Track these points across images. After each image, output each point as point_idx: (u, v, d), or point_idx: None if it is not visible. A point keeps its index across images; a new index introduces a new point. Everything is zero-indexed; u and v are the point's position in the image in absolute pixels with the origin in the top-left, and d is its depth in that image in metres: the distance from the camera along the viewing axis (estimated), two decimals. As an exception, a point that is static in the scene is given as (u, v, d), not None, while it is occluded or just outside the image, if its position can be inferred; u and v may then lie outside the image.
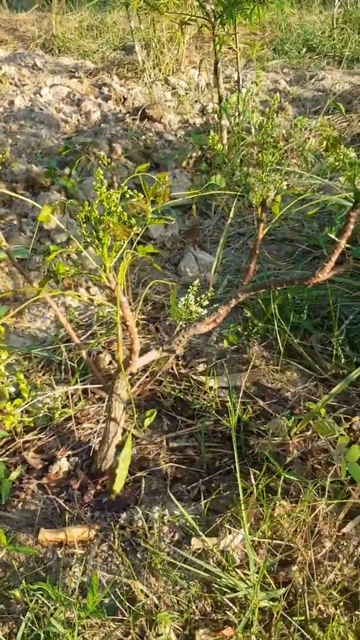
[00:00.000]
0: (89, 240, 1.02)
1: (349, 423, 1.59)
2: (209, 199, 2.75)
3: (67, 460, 1.56)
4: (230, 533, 1.33)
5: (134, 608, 1.21)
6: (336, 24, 5.15)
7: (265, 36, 5.31)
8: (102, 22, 5.50)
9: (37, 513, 1.43)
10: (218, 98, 2.97)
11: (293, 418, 1.60)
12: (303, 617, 1.22)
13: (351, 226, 1.07)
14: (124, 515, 1.39)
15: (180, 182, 2.82)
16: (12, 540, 1.34)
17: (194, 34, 4.70)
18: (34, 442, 1.63)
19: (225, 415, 1.64)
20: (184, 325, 1.40)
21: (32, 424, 1.61)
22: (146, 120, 3.56)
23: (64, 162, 2.97)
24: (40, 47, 5.20)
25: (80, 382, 1.76)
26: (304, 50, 4.96)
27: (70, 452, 1.59)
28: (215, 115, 3.10)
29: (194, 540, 1.32)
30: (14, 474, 1.50)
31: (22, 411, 1.64)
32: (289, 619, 1.21)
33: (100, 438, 1.59)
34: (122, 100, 3.91)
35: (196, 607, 1.23)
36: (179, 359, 1.86)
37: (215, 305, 1.36)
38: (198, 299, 1.39)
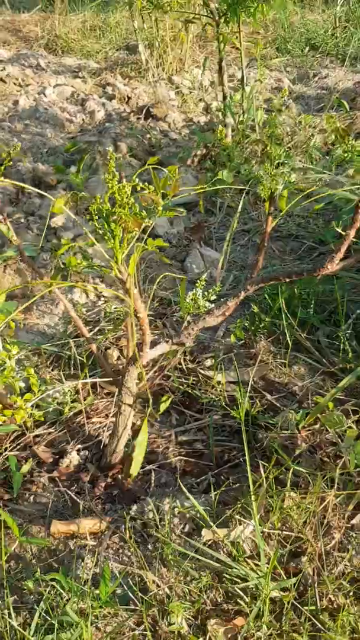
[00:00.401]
0: (100, 232, 1.03)
1: (357, 416, 1.60)
2: (214, 196, 2.76)
3: (78, 453, 1.58)
4: (240, 524, 1.34)
5: (146, 598, 1.22)
6: (339, 22, 5.15)
7: (268, 35, 5.32)
8: (105, 22, 5.51)
9: (48, 505, 1.44)
10: (222, 96, 2.98)
11: (301, 411, 1.61)
12: (313, 607, 1.23)
13: (360, 217, 1.08)
14: (134, 507, 1.40)
15: (185, 180, 2.83)
16: (24, 532, 1.35)
17: (198, 33, 4.71)
18: (44, 436, 1.64)
19: (236, 407, 1.65)
20: (191, 320, 1.41)
21: (42, 419, 1.62)
22: (150, 119, 3.57)
23: (69, 161, 2.98)
24: (44, 48, 5.22)
25: (89, 377, 1.77)
26: (307, 48, 4.96)
27: (80, 446, 1.60)
28: (220, 114, 3.11)
29: (204, 532, 1.33)
30: (25, 468, 1.51)
31: (32, 406, 1.65)
32: (300, 608, 1.22)
33: (109, 432, 1.60)
34: (126, 99, 3.92)
35: (207, 597, 1.24)
36: (187, 354, 1.87)
37: (223, 299, 1.38)
38: (205, 293, 1.41)
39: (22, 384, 1.61)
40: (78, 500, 1.44)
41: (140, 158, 3.11)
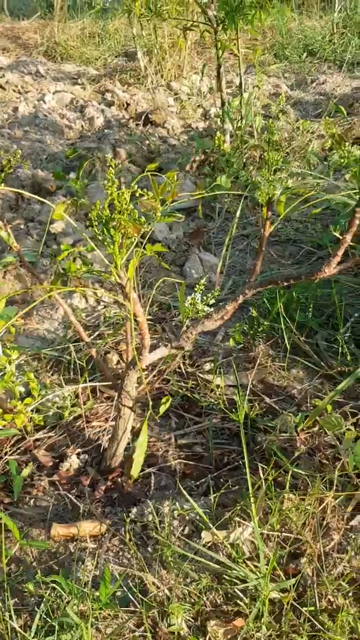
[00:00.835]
0: (100, 239, 1.04)
1: (355, 418, 1.61)
2: (213, 201, 2.78)
3: (78, 457, 1.59)
4: (239, 526, 1.35)
5: (146, 600, 1.23)
6: (336, 28, 5.19)
7: (266, 41, 5.36)
8: (103, 29, 5.55)
9: (49, 509, 1.45)
10: (221, 102, 3.00)
11: (300, 414, 1.62)
12: (313, 608, 1.24)
13: (357, 221, 1.09)
14: (134, 510, 1.41)
15: (184, 186, 2.85)
16: (25, 536, 1.36)
17: (196, 39, 4.75)
18: (45, 440, 1.65)
19: (235, 410, 1.66)
20: (190, 324, 1.42)
21: (42, 423, 1.64)
22: (149, 125, 3.60)
23: (69, 167, 3.00)
24: (43, 55, 5.26)
25: (89, 381, 1.78)
26: (305, 54, 5.00)
27: (80, 450, 1.61)
28: (218, 120, 3.13)
29: (204, 534, 1.34)
30: (26, 471, 1.52)
31: (32, 410, 1.66)
32: (299, 609, 1.23)
33: (109, 436, 1.61)
34: (125, 106, 3.94)
35: (207, 598, 1.25)
36: (186, 358, 1.88)
37: (222, 304, 1.39)
38: (204, 297, 1.42)
39: (22, 389, 1.62)
40: (78, 503, 1.45)
41: (139, 164, 3.13)
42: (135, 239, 1.04)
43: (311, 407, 1.69)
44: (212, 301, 1.44)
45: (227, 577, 1.27)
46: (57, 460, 1.59)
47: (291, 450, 1.55)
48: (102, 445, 1.62)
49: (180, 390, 1.76)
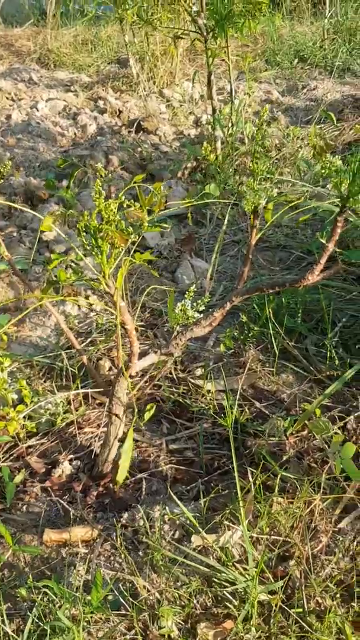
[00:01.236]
0: (88, 248, 1.07)
1: (343, 422, 1.64)
2: (204, 208, 2.81)
3: (70, 463, 1.60)
4: (229, 530, 1.38)
5: (136, 603, 1.24)
6: (327, 34, 5.24)
7: (257, 48, 5.40)
8: (96, 37, 5.59)
9: (41, 515, 1.47)
10: (212, 110, 3.03)
11: (289, 418, 1.65)
12: (301, 609, 1.26)
13: (338, 231, 1.12)
14: (125, 515, 1.43)
15: (176, 192, 2.87)
16: (17, 541, 1.38)
17: (187, 46, 4.78)
18: (37, 446, 1.67)
19: (223, 416, 1.68)
20: (180, 330, 1.45)
21: (34, 429, 1.66)
22: (141, 132, 3.63)
23: (61, 174, 3.03)
24: (36, 62, 5.29)
25: (81, 388, 1.80)
26: (296, 61, 5.04)
27: (72, 456, 1.63)
28: (209, 127, 3.17)
29: (194, 537, 1.36)
30: (18, 478, 1.54)
31: (24, 417, 1.68)
32: (288, 611, 1.25)
33: (101, 442, 1.63)
34: (118, 113, 3.97)
35: (197, 601, 1.27)
36: (177, 363, 1.90)
37: (212, 310, 1.41)
38: (194, 304, 1.44)
39: (15, 396, 1.64)
40: (70, 509, 1.47)
41: (131, 171, 3.15)
42: (122, 249, 1.07)
43: (300, 411, 1.71)
44: (202, 308, 1.46)
45: (216, 580, 1.29)
46: (50, 467, 1.61)
47: (280, 454, 1.58)
48: (94, 451, 1.64)
49: (171, 396, 1.79)
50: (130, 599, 1.25)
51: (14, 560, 1.36)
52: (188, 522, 1.39)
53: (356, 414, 1.66)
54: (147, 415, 1.42)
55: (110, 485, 1.53)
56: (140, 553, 1.35)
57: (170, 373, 1.86)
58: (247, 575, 1.28)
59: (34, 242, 2.42)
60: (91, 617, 1.22)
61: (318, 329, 2.00)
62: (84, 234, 1.05)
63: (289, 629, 1.22)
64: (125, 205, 1.08)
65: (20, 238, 2.47)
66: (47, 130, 3.65)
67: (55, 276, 2.18)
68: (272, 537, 1.38)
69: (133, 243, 1.10)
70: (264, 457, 1.53)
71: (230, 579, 1.28)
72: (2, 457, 1.63)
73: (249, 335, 1.94)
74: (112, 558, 1.35)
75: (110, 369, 1.91)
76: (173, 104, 4.11)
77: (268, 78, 4.70)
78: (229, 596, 1.26)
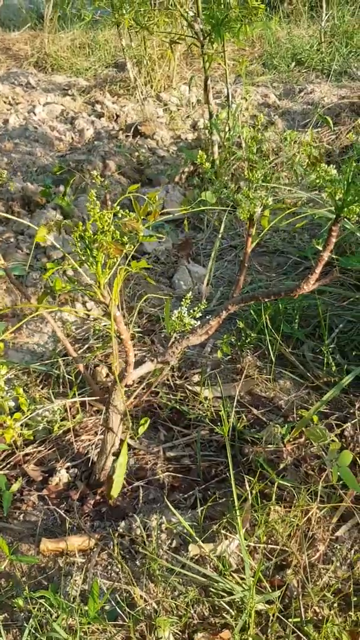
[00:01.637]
0: (83, 258, 1.07)
1: (341, 429, 1.64)
2: (202, 213, 2.81)
3: (67, 471, 1.60)
4: (226, 539, 1.37)
5: (133, 613, 1.24)
6: (324, 37, 5.24)
7: (254, 51, 5.40)
8: (93, 40, 5.59)
9: (38, 524, 1.46)
10: (209, 114, 3.03)
11: (286, 425, 1.64)
12: (298, 619, 1.26)
13: (333, 239, 1.12)
14: (122, 524, 1.43)
15: (173, 197, 2.87)
16: (14, 551, 1.37)
17: (184, 50, 4.79)
18: (34, 454, 1.67)
19: (220, 424, 1.68)
20: (177, 337, 1.44)
21: (31, 437, 1.65)
22: (139, 136, 3.62)
23: (59, 180, 3.02)
24: (33, 66, 5.29)
25: (78, 395, 1.80)
26: (293, 64, 5.04)
27: (69, 464, 1.63)
28: (207, 131, 3.17)
29: (191, 547, 1.36)
30: (15, 486, 1.54)
31: (21, 425, 1.68)
32: (285, 621, 1.25)
33: (98, 449, 1.63)
34: (115, 117, 3.98)
35: (194, 611, 1.26)
36: (174, 370, 1.90)
37: (208, 317, 1.41)
38: (191, 311, 1.44)
39: (12, 403, 1.64)
40: (67, 517, 1.47)
41: (129, 176, 3.15)
42: (117, 260, 1.07)
43: (298, 418, 1.71)
44: (199, 315, 1.46)
45: (213, 590, 1.28)
46: (47, 475, 1.60)
47: (277, 462, 1.57)
48: (91, 459, 1.64)
49: (168, 403, 1.78)
50: (127, 609, 1.25)
51: (11, 570, 1.35)
52: (185, 531, 1.39)
53: (353, 421, 1.65)
54: (141, 430, 1.42)
55: (107, 493, 1.53)
56: (137, 562, 1.35)
57: (168, 380, 1.86)
58: (244, 585, 1.27)
59: (31, 247, 2.42)
60: (88, 627, 1.21)
61: (315, 335, 2.00)
62: (79, 244, 1.05)
63: (286, 639, 1.22)
64: (120, 216, 1.08)
65: (17, 244, 2.47)
66: (44, 134, 3.64)
67: (51, 284, 2.18)
68: (270, 545, 1.38)
69: (129, 251, 1.09)
70: (261, 464, 1.53)
71: (227, 588, 1.27)
72: (-1, 466, 1.62)
73: (246, 341, 1.94)
74: (109, 567, 1.35)
75: (107, 375, 1.90)
76: (170, 108, 4.11)
77: (265, 82, 4.70)
78: (226, 606, 1.26)
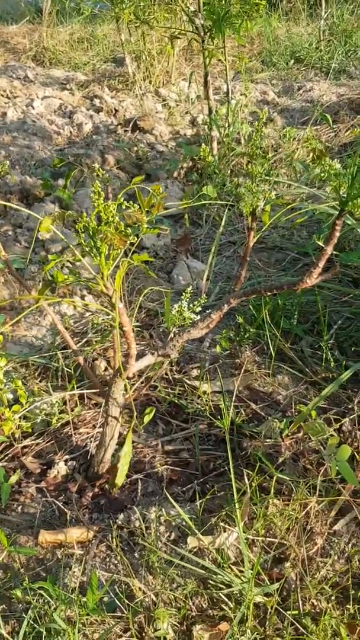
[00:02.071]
0: (87, 249, 1.06)
1: (339, 424, 1.64)
2: (200, 208, 2.81)
3: (65, 464, 1.60)
4: (225, 531, 1.38)
5: (132, 605, 1.24)
6: (323, 36, 5.25)
7: (253, 48, 5.40)
8: (92, 35, 5.57)
9: (36, 516, 1.46)
10: (208, 110, 3.03)
11: (285, 420, 1.65)
12: (296, 612, 1.26)
13: (337, 234, 1.12)
14: (121, 516, 1.43)
15: (172, 192, 2.87)
16: (12, 542, 1.37)
17: (184, 46, 4.78)
18: (32, 447, 1.66)
19: (220, 418, 1.68)
20: (177, 332, 1.45)
21: (30, 430, 1.65)
22: (138, 131, 3.62)
23: (57, 173, 3.02)
24: (32, 59, 5.27)
25: (77, 388, 1.80)
26: (292, 61, 5.05)
27: (67, 457, 1.63)
28: (206, 127, 3.17)
29: (190, 539, 1.36)
30: (14, 478, 1.53)
31: (20, 417, 1.68)
32: (283, 613, 1.25)
33: (96, 442, 1.63)
34: (114, 112, 3.97)
35: (193, 603, 1.27)
36: (173, 364, 1.90)
37: (208, 312, 1.41)
38: (191, 305, 1.44)
39: (10, 396, 1.63)
40: (65, 510, 1.47)
41: (127, 171, 3.15)
42: (121, 251, 1.07)
43: (296, 413, 1.71)
44: (199, 309, 1.46)
45: (212, 582, 1.29)
46: (45, 467, 1.60)
47: (276, 456, 1.58)
48: (89, 452, 1.64)
49: (167, 397, 1.79)
50: (126, 601, 1.25)
51: (9, 562, 1.35)
52: (184, 523, 1.39)
53: (352, 416, 1.66)
54: (146, 419, 1.42)
55: (106, 486, 1.53)
56: (136, 554, 1.35)
57: (166, 374, 1.86)
58: (242, 577, 1.28)
59: (29, 240, 2.42)
60: (87, 619, 1.21)
61: (314, 330, 2.01)
62: (83, 235, 1.04)
63: (285, 632, 1.22)
64: (124, 207, 1.08)
65: (15, 237, 2.46)
66: (42, 128, 3.63)
67: (51, 276, 2.17)
68: (268, 539, 1.38)
69: (132, 244, 1.09)
70: (260, 458, 1.53)
71: (225, 580, 1.28)
72: (-3, 458, 1.62)
73: (245, 336, 1.94)
74: (107, 559, 1.35)
75: (105, 369, 1.90)
76: (169, 103, 4.10)
77: (264, 79, 4.70)
78: (225, 598, 1.26)
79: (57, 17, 6.00)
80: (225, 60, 3.08)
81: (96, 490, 1.52)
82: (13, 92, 4.23)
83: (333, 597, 1.29)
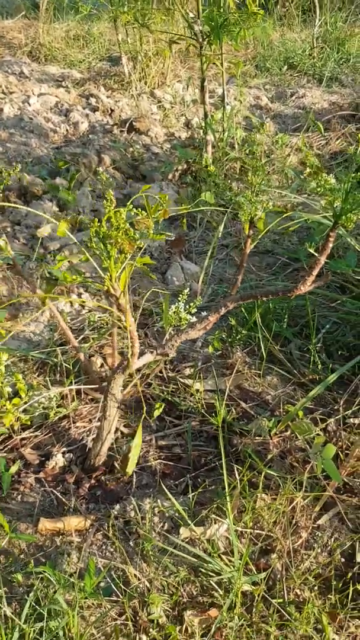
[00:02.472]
0: (97, 253, 1.13)
1: (325, 424, 1.72)
2: (195, 211, 2.88)
3: (63, 456, 1.66)
4: (215, 523, 1.45)
5: (127, 590, 1.31)
6: (316, 43, 5.34)
7: (248, 52, 5.48)
8: (88, 33, 5.61)
9: (35, 504, 1.52)
10: (204, 114, 3.10)
11: (273, 419, 1.73)
12: (281, 600, 1.34)
13: (330, 244, 1.19)
14: (117, 506, 1.50)
15: (167, 194, 2.93)
16: (13, 529, 1.43)
17: (179, 48, 4.84)
18: (31, 439, 1.72)
19: (214, 415, 1.76)
20: (172, 332, 1.51)
21: (29, 423, 1.70)
22: (133, 132, 3.68)
23: (54, 171, 3.07)
24: (27, 55, 5.29)
25: (75, 383, 1.86)
26: (285, 67, 5.13)
27: (65, 449, 1.69)
28: (201, 131, 3.23)
29: (182, 529, 1.43)
30: (13, 468, 1.59)
31: (19, 410, 1.73)
32: (270, 600, 1.33)
33: (93, 436, 1.69)
34: (110, 111, 4.02)
35: (184, 590, 1.34)
36: (167, 363, 1.97)
37: (203, 314, 1.48)
38: (187, 307, 1.51)
39: (9, 389, 1.69)
40: (63, 499, 1.53)
41: (123, 171, 3.21)
42: (130, 254, 1.13)
43: (284, 413, 1.79)
44: (195, 310, 1.53)
45: (203, 570, 1.36)
46: (43, 459, 1.66)
47: (264, 453, 1.66)
48: (86, 445, 1.70)
49: (161, 394, 1.85)
50: (122, 586, 1.32)
51: (10, 547, 1.41)
52: (177, 514, 1.46)
53: (337, 417, 1.74)
54: (155, 413, 1.49)
55: (102, 478, 1.59)
56: (131, 543, 1.42)
57: (161, 372, 1.93)
58: (232, 567, 1.35)
59: (28, 238, 2.47)
60: (85, 602, 1.28)
61: (302, 334, 2.09)
62: (95, 240, 1.11)
63: (270, 618, 1.30)
64: (133, 213, 1.15)
65: (14, 234, 2.51)
66: (39, 126, 3.67)
67: (49, 273, 2.23)
68: (256, 531, 1.46)
69: (139, 249, 1.16)
70: (250, 455, 1.61)
71: (216, 569, 1.35)
72: (-3, 449, 1.68)
73: (237, 338, 2.02)
74: (104, 547, 1.42)
75: (102, 365, 1.97)
76: (164, 105, 4.16)
77: (258, 84, 4.78)
78: (215, 586, 1.34)
79: (54, 13, 6.02)
80: (222, 66, 3.15)
81: (92, 481, 1.59)
82: (9, 88, 4.25)
83: (316, 587, 1.37)
